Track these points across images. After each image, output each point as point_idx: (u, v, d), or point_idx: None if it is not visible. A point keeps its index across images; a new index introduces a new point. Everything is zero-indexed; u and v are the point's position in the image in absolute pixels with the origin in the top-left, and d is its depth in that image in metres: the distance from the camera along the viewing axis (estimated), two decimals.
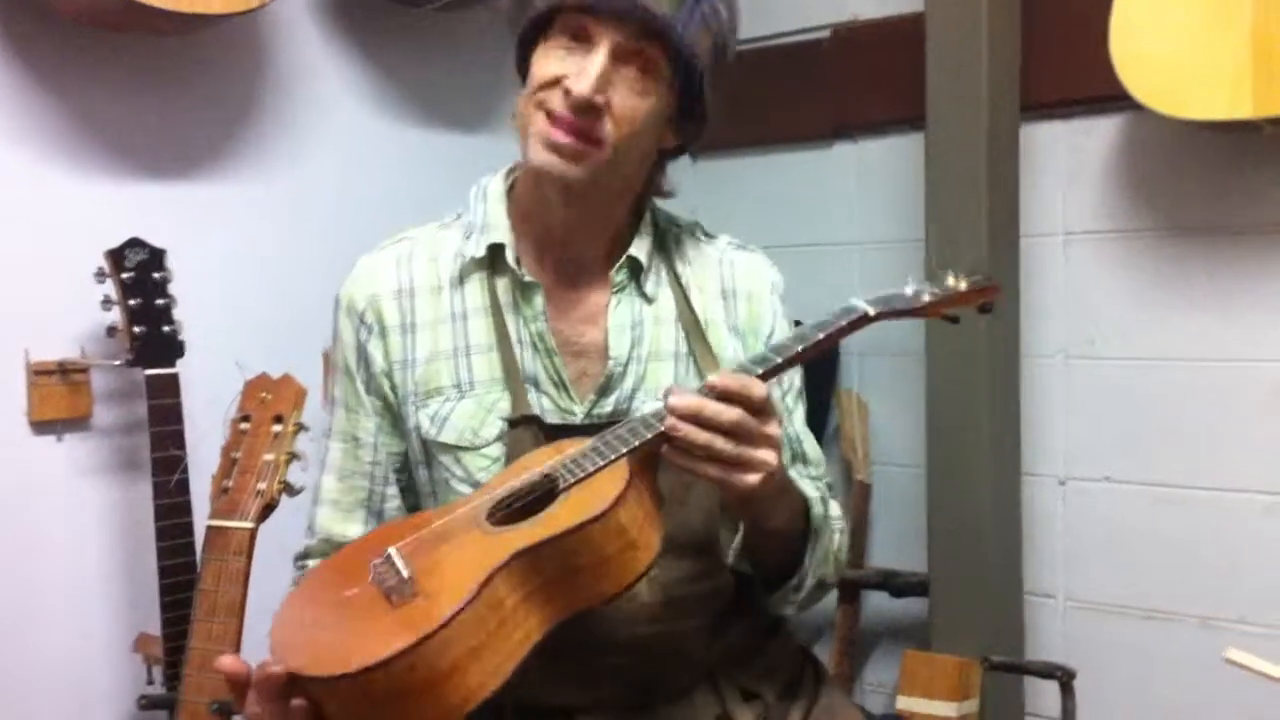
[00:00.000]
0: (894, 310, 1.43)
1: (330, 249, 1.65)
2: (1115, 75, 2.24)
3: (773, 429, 1.31)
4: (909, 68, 2.61)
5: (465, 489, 1.48)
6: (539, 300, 1.51)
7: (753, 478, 1.30)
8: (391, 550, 1.30)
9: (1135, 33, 2.23)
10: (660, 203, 1.63)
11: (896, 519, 2.85)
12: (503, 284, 1.53)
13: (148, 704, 2.07)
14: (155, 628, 2.12)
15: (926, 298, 1.45)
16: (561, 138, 1.42)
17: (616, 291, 1.54)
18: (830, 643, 2.86)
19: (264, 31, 2.46)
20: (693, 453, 1.29)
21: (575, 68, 1.41)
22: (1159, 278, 2.51)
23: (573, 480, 1.30)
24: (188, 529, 2.11)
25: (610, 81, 1.41)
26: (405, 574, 1.26)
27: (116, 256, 2.11)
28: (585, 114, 1.41)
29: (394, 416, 1.55)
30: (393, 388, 1.53)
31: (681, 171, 3.14)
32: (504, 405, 1.49)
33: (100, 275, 2.11)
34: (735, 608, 1.56)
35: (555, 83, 1.42)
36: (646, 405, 1.51)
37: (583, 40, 1.43)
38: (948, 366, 2.56)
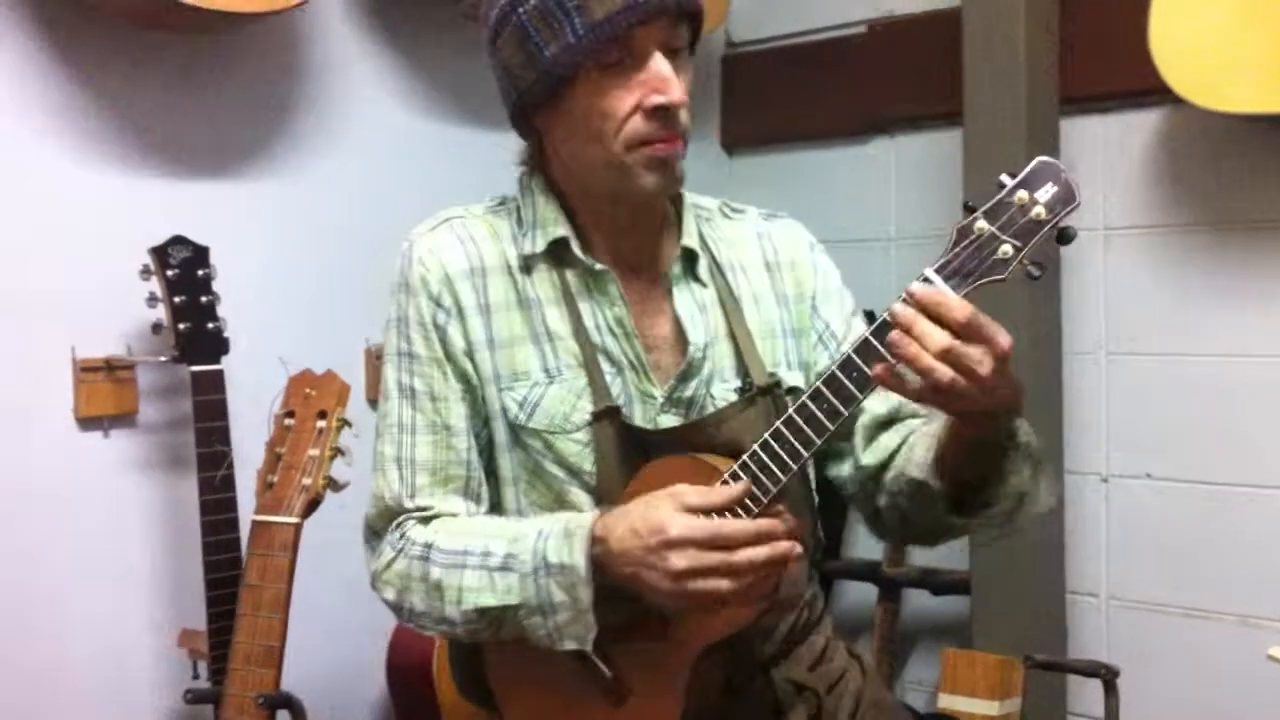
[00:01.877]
0: (981, 283, 1.30)
1: (370, 245, 1.65)
2: (1154, 69, 2.24)
3: (985, 346, 1.27)
4: (946, 63, 2.61)
5: (559, 471, 1.49)
6: (614, 288, 1.50)
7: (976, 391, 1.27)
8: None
9: (1174, 26, 2.22)
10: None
11: None
12: (571, 274, 1.52)
13: (193, 698, 2.08)
14: (200, 623, 2.13)
15: (1009, 250, 1.28)
16: (670, 151, 1.43)
17: (676, 281, 1.54)
18: (870, 640, 2.85)
19: (302, 29, 2.48)
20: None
21: (641, 84, 1.41)
22: (1199, 273, 2.50)
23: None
24: (233, 524, 2.12)
25: (676, 76, 1.43)
26: (610, 675, 1.41)
27: (161, 254, 2.12)
28: (674, 120, 1.42)
29: (475, 398, 1.52)
30: (475, 367, 1.51)
31: (718, 167, 3.18)
32: (590, 392, 1.49)
33: (145, 273, 2.12)
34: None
35: (634, 110, 1.41)
36: (717, 388, 1.52)
37: (632, 56, 1.41)
38: None
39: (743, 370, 1.53)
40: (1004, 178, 1.30)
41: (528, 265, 1.52)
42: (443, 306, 1.50)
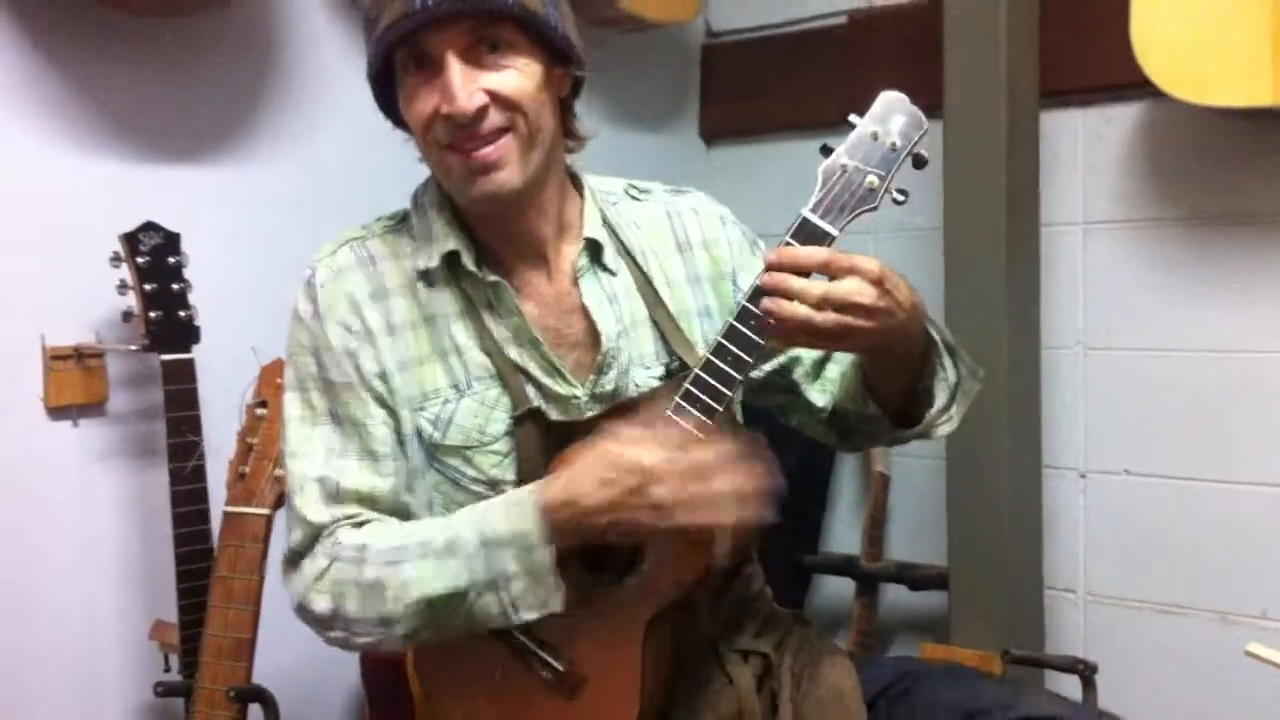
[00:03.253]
0: (855, 214, 1.39)
1: (345, 230, 1.65)
2: (1135, 61, 2.23)
3: (856, 275, 1.32)
4: (926, 54, 2.59)
5: (478, 487, 1.48)
6: (509, 296, 1.49)
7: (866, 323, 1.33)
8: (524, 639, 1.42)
9: (1156, 18, 2.22)
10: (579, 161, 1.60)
11: (915, 511, 2.84)
12: (469, 286, 1.51)
13: (164, 691, 2.06)
14: (171, 615, 2.11)
15: (875, 180, 1.38)
16: (474, 158, 1.41)
17: (582, 273, 1.53)
18: (847, 635, 2.84)
19: (277, 10, 2.45)
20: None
21: (441, 93, 1.39)
22: (1178, 267, 2.50)
23: None
24: (204, 515, 2.09)
25: (476, 80, 1.39)
26: (560, 667, 1.42)
27: (131, 240, 2.09)
28: (476, 122, 1.40)
29: (396, 420, 1.50)
30: (389, 390, 1.49)
31: (696, 158, 3.16)
32: (505, 401, 1.48)
33: (115, 259, 2.09)
34: (733, 576, 1.58)
35: (434, 117, 1.41)
36: (639, 375, 1.52)
37: (428, 65, 1.40)
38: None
39: (667, 353, 1.53)
40: (853, 117, 1.40)
41: (428, 280, 1.50)
42: (353, 332, 1.49)
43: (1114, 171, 2.57)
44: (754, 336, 1.36)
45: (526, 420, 1.47)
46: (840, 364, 1.60)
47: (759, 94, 3.09)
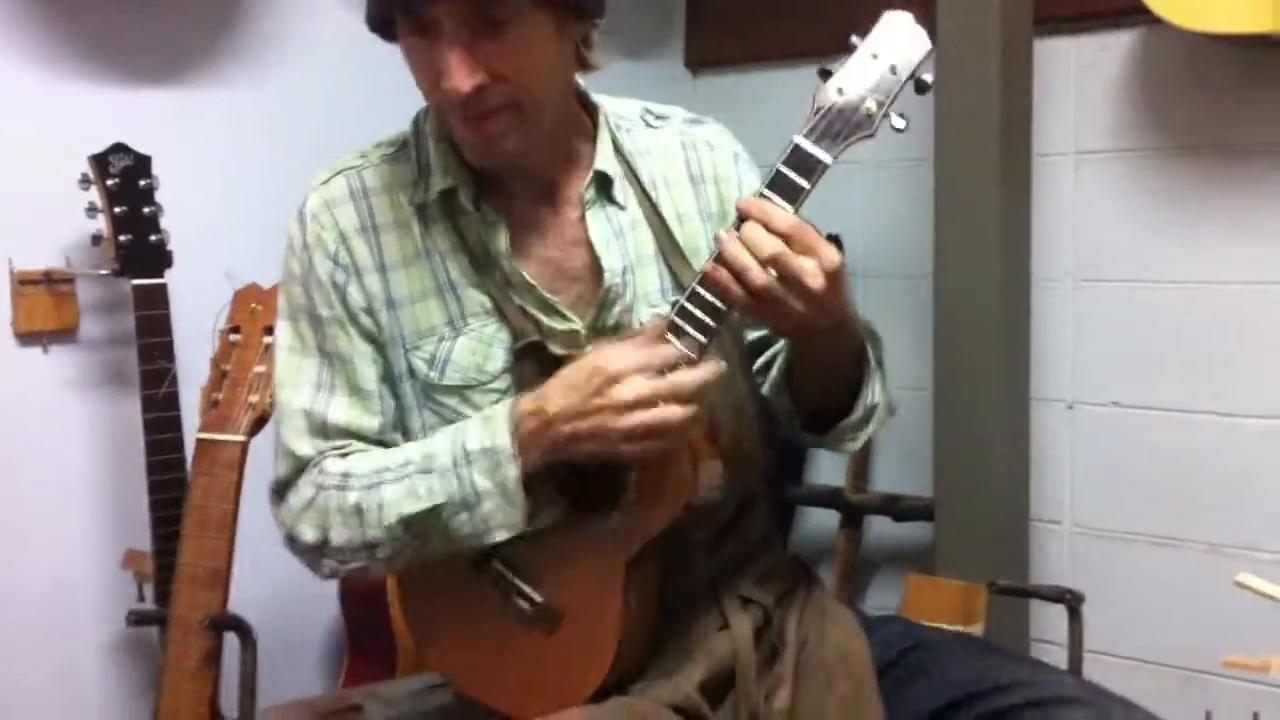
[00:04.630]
0: (850, 141, 1.33)
1: (322, 155, 1.60)
2: None
3: (816, 259, 1.28)
4: None
5: None
6: (502, 239, 1.44)
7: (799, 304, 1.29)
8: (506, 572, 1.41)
9: None
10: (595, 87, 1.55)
11: (901, 443, 2.81)
12: (465, 222, 1.46)
13: (137, 620, 2.04)
14: (145, 544, 2.09)
15: (873, 106, 1.32)
16: (475, 133, 1.37)
17: (589, 206, 1.48)
18: (832, 567, 2.83)
19: None
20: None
21: (439, 64, 1.33)
22: (1171, 198, 2.46)
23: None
24: (178, 443, 2.07)
25: (475, 56, 1.33)
26: (540, 600, 1.40)
27: (100, 162, 2.05)
28: (476, 101, 1.34)
29: (384, 357, 1.47)
30: (377, 326, 1.46)
31: (681, 88, 3.11)
32: (503, 337, 1.44)
33: (84, 182, 2.05)
34: (735, 519, 1.53)
35: (435, 84, 1.35)
36: (644, 312, 1.47)
37: (427, 32, 1.34)
38: (957, 289, 2.51)
39: (676, 290, 1.48)
40: (854, 39, 1.33)
41: (425, 215, 1.46)
42: (340, 265, 1.45)
43: (1108, 100, 2.52)
44: (718, 303, 1.31)
45: (527, 356, 1.43)
46: (768, 356, 1.56)
47: (748, 19, 3.03)
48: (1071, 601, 2.01)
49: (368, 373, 1.46)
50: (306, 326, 1.48)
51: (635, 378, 1.29)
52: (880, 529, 2.85)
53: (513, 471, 1.33)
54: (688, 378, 1.30)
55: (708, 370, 1.31)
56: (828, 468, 2.95)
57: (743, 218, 1.30)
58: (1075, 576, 2.58)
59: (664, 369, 1.30)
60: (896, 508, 2.74)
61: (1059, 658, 2.09)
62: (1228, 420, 2.41)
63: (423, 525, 1.37)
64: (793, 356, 1.47)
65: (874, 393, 1.48)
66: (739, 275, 1.28)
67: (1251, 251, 2.37)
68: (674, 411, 1.29)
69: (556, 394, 1.32)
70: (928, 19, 2.40)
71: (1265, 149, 2.34)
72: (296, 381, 1.47)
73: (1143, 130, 2.48)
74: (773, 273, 1.27)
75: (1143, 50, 2.46)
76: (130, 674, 2.26)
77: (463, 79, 1.32)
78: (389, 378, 1.47)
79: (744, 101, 3.01)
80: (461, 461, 1.35)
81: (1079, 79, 2.54)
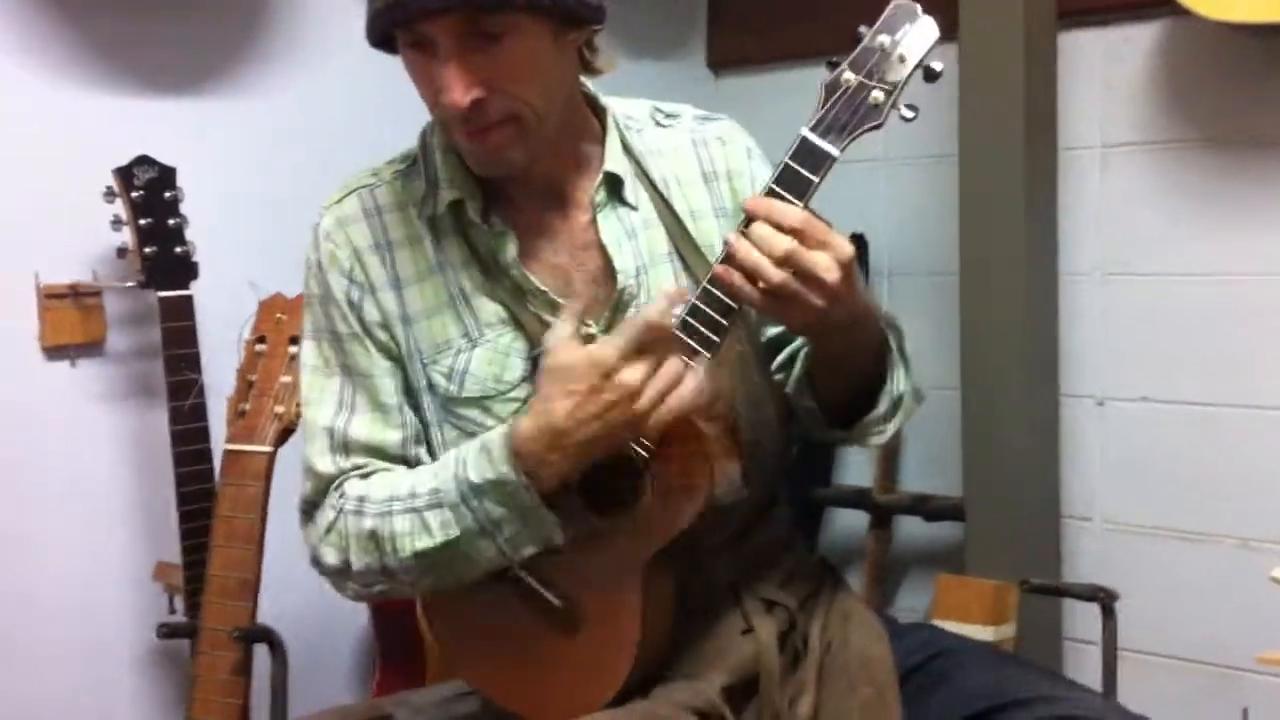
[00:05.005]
0: (858, 133, 1.31)
1: (344, 164, 1.60)
2: None
3: (829, 252, 1.27)
4: None
5: None
6: (511, 249, 1.44)
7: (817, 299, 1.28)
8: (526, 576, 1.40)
9: None
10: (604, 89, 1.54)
11: (929, 442, 2.80)
12: (477, 233, 1.46)
13: (168, 633, 2.04)
14: (175, 556, 2.09)
15: (880, 95, 1.30)
16: (478, 145, 1.37)
17: (600, 208, 1.47)
18: (861, 568, 2.81)
19: None
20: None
21: (437, 78, 1.33)
22: (1198, 191, 2.44)
23: (649, 454, 1.34)
24: (205, 455, 2.07)
25: (473, 70, 1.32)
26: (559, 603, 1.39)
27: (125, 175, 2.05)
28: (476, 114, 1.34)
29: (404, 372, 1.47)
30: (394, 341, 1.46)
31: (704, 89, 3.10)
32: (520, 345, 1.44)
33: (109, 194, 2.06)
34: (756, 519, 1.52)
35: (436, 99, 1.35)
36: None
37: (425, 47, 1.33)
38: (983, 285, 2.49)
39: (694, 287, 1.44)
40: (862, 28, 1.32)
41: (436, 229, 1.46)
42: (355, 282, 1.46)
43: (1133, 93, 2.50)
44: (730, 302, 1.31)
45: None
46: (789, 352, 1.54)
47: (770, 19, 3.02)
48: (1105, 600, 2.00)
49: (388, 386, 1.46)
50: (329, 345, 1.49)
51: (638, 364, 1.28)
52: (909, 529, 2.84)
53: (528, 497, 1.32)
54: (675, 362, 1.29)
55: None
56: (855, 469, 2.94)
57: (751, 218, 1.29)
58: (1107, 574, 2.55)
59: (647, 345, 1.29)
60: (925, 507, 2.72)
61: (1093, 656, 2.07)
62: (1256, 412, 2.39)
63: (441, 556, 1.37)
64: (813, 354, 1.45)
65: (898, 383, 1.46)
66: (753, 274, 1.28)
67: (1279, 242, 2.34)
68: (684, 388, 1.28)
69: (559, 402, 1.29)
70: (949, 13, 2.41)
71: None
72: (320, 399, 1.48)
73: (1168, 122, 2.46)
74: (788, 270, 1.27)
75: (1167, 42, 2.44)
76: (161, 686, 2.26)
77: (459, 93, 1.32)
78: (410, 390, 1.47)
79: (767, 101, 2.99)
80: (470, 496, 1.35)
81: (1104, 72, 2.52)
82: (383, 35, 1.37)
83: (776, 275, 1.27)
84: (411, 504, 1.38)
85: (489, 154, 1.38)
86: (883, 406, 1.45)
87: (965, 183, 2.50)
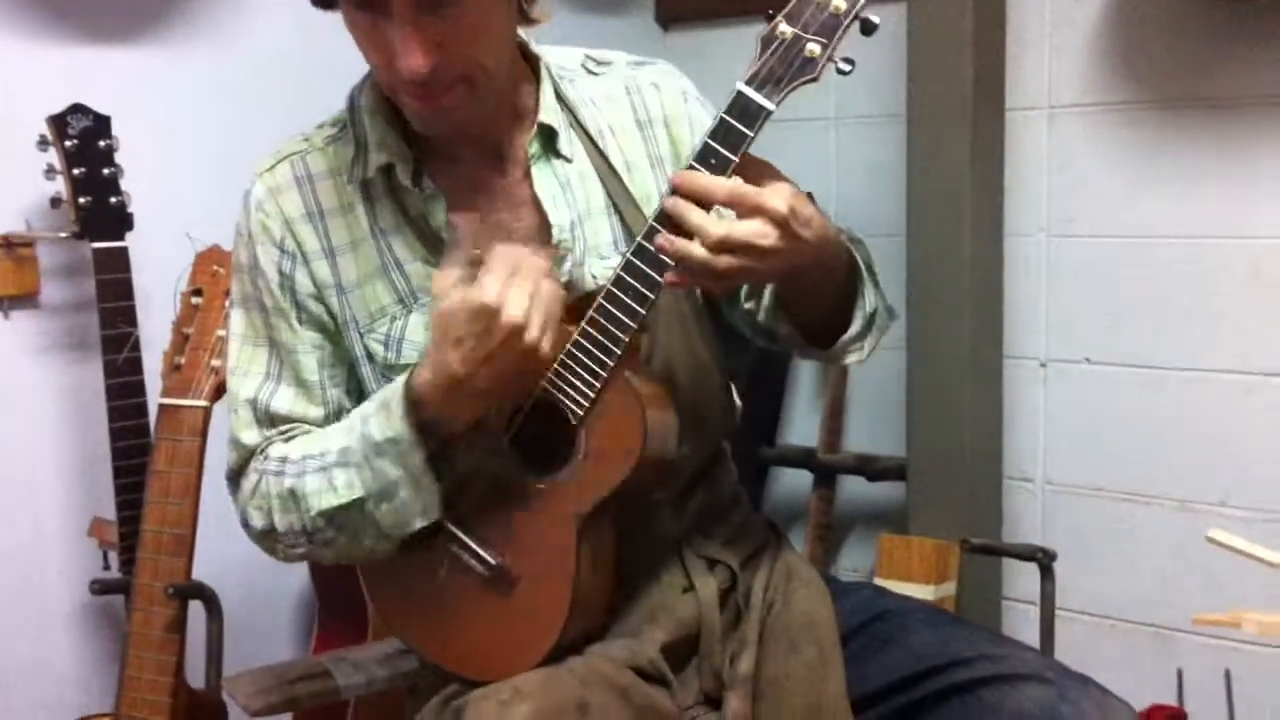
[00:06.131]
0: (793, 86, 1.28)
1: (282, 116, 1.57)
2: None
3: (762, 216, 1.25)
4: None
5: None
6: (440, 213, 1.42)
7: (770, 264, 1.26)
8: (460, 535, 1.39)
9: None
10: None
11: (874, 403, 2.80)
12: (409, 196, 1.44)
13: (101, 589, 2.02)
14: (110, 511, 2.06)
15: (816, 48, 1.26)
16: (429, 108, 1.34)
17: (534, 161, 1.45)
18: (805, 528, 2.82)
19: None
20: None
21: (387, 42, 1.29)
22: (1145, 153, 2.44)
23: (583, 413, 1.33)
24: (141, 409, 2.04)
25: (427, 33, 1.28)
26: (494, 562, 1.38)
27: (59, 123, 2.01)
28: (431, 79, 1.31)
29: (334, 344, 1.46)
30: (329, 312, 1.44)
31: (652, 43, 3.07)
32: None
33: (43, 143, 2.01)
34: (699, 477, 1.52)
35: (389, 63, 1.31)
36: (595, 265, 1.45)
37: (373, 7, 1.29)
38: (929, 246, 2.50)
39: (628, 241, 1.45)
40: None
41: (368, 194, 1.44)
42: (287, 252, 1.44)
43: (1082, 54, 2.50)
44: (654, 274, 1.29)
45: None
46: None
47: None
48: (1044, 560, 2.01)
49: (309, 363, 1.45)
50: (257, 315, 1.47)
51: (511, 294, 1.26)
52: (853, 489, 2.84)
53: (417, 459, 1.33)
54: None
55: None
56: (800, 428, 2.94)
57: (676, 192, 1.27)
58: (1048, 534, 2.58)
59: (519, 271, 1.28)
60: (869, 468, 2.73)
61: (1031, 616, 2.09)
62: (1198, 375, 2.41)
63: (346, 518, 1.37)
64: (780, 288, 1.44)
65: (869, 300, 1.45)
66: (698, 269, 1.26)
67: (1226, 205, 2.36)
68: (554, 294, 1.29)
69: (450, 351, 1.28)
70: None
71: (1240, 102, 2.33)
72: (247, 370, 1.47)
73: (1116, 84, 2.46)
74: (727, 252, 1.25)
75: (1117, 2, 2.44)
76: (96, 643, 2.24)
77: (419, 59, 1.28)
78: (338, 366, 1.46)
79: (717, 56, 2.97)
80: (371, 453, 1.34)
81: (1052, 33, 2.52)
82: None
83: (720, 263, 1.25)
84: (322, 462, 1.38)
85: (438, 115, 1.36)
86: (857, 324, 1.44)
87: (913, 142, 2.50)
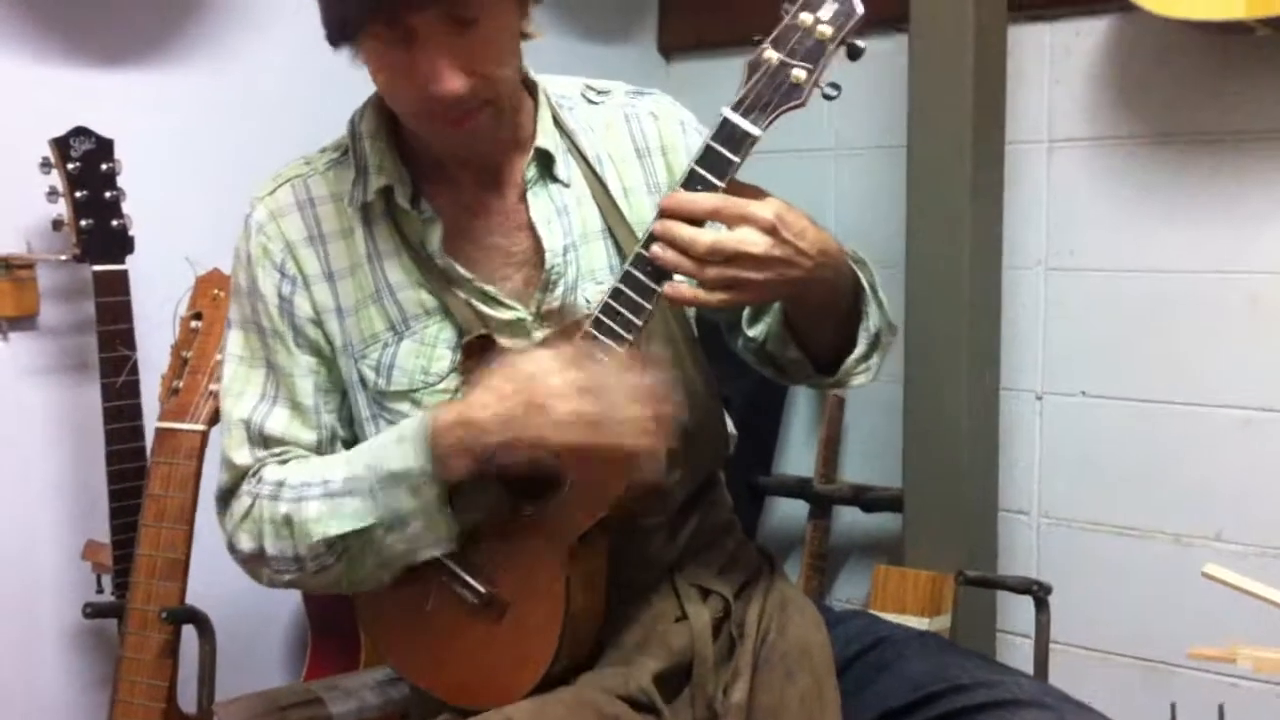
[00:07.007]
0: (779, 112, 1.29)
1: (284, 139, 1.58)
2: None
3: (750, 225, 1.26)
4: None
5: None
6: (436, 237, 1.42)
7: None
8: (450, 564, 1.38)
9: None
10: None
11: (870, 433, 2.81)
12: (407, 219, 1.44)
13: (93, 613, 2.01)
14: (105, 534, 2.06)
15: (801, 74, 1.27)
16: (458, 131, 1.35)
17: (531, 185, 1.46)
18: (800, 558, 2.82)
19: None
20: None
21: (418, 69, 1.30)
22: (1143, 186, 2.45)
23: None
24: (138, 432, 2.04)
25: (458, 58, 1.30)
26: (484, 590, 1.37)
27: (61, 146, 2.01)
28: (459, 102, 1.32)
29: (329, 369, 1.46)
30: (326, 337, 1.45)
31: (654, 73, 3.08)
32: (448, 335, 1.43)
33: (45, 165, 2.02)
34: (693, 504, 1.52)
35: (421, 91, 1.32)
36: (589, 290, 1.45)
37: (403, 38, 1.30)
38: (927, 277, 2.50)
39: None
40: (785, 4, 1.29)
41: (367, 217, 1.45)
42: (287, 276, 1.44)
43: (1080, 87, 2.51)
44: (650, 284, 1.30)
45: (476, 351, 1.40)
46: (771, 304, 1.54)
47: (721, 3, 3.00)
48: (1039, 593, 2.01)
49: (305, 386, 1.45)
50: (255, 337, 1.47)
51: (570, 372, 1.26)
52: (849, 519, 2.84)
53: (432, 494, 1.33)
54: (616, 383, 1.27)
55: (631, 370, 1.29)
56: (796, 458, 2.94)
57: (665, 214, 1.28)
58: (1043, 567, 2.58)
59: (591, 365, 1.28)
60: (865, 498, 2.73)
61: (1026, 649, 2.08)
62: (1193, 410, 2.41)
63: (348, 546, 1.37)
64: (787, 306, 1.44)
65: (873, 320, 1.45)
66: (699, 290, 1.27)
67: (1222, 241, 2.36)
68: (609, 428, 1.26)
69: (480, 402, 1.29)
70: (901, 3, 2.40)
71: (1238, 137, 2.34)
72: (242, 391, 1.47)
73: (1116, 118, 2.47)
74: (718, 261, 1.26)
75: (1117, 36, 2.45)
76: (88, 667, 2.23)
77: (455, 80, 1.29)
78: (331, 393, 1.47)
79: (720, 86, 2.92)
80: (381, 485, 1.34)
81: (1053, 66, 2.53)
82: (357, 29, 1.32)
83: (709, 273, 1.26)
84: (327, 489, 1.37)
85: (466, 138, 1.37)
86: (862, 344, 1.44)
87: (912, 173, 2.50)
